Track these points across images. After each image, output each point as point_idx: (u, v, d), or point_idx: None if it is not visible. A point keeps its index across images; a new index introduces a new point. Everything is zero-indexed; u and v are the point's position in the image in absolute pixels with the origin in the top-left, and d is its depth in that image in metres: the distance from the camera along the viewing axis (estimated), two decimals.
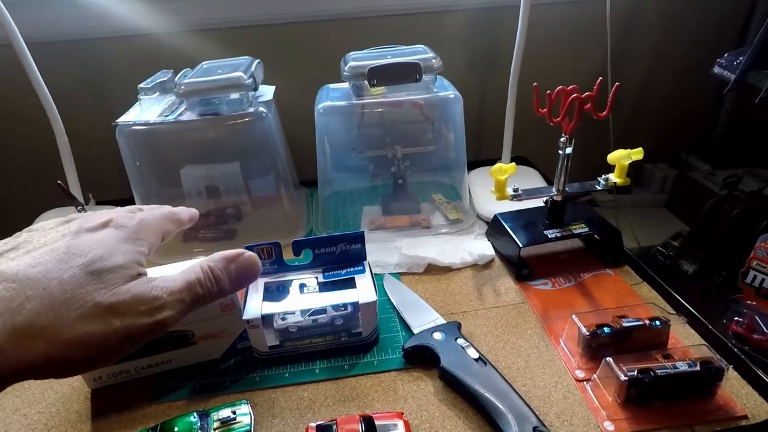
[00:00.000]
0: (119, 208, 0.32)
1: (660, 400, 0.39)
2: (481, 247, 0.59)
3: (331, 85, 0.68)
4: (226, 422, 0.39)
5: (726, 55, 0.72)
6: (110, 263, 0.25)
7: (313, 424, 0.39)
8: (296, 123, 0.68)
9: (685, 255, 0.74)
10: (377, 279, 0.56)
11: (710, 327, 0.46)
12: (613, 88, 0.49)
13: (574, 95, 0.49)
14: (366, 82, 0.57)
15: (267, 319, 0.45)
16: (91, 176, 0.71)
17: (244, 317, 0.43)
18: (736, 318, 0.52)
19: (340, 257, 0.49)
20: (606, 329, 0.42)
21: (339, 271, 0.49)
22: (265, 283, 0.48)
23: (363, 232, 0.49)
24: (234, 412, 0.40)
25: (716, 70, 0.73)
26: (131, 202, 0.65)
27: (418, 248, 0.59)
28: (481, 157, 0.83)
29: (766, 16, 0.65)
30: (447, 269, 0.57)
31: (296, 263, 0.49)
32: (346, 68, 0.58)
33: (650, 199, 1.12)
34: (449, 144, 0.67)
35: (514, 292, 0.53)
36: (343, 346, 0.47)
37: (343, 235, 0.48)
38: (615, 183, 0.53)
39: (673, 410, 0.38)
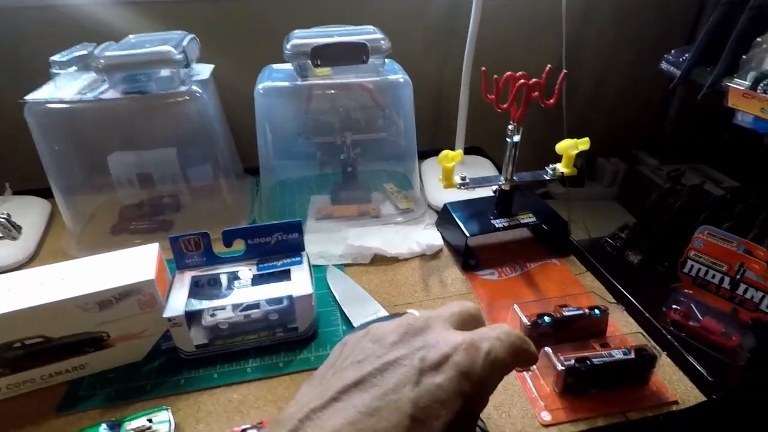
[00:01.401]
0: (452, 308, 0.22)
1: (597, 388, 0.38)
2: (429, 237, 0.58)
3: (275, 66, 0.64)
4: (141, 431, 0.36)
5: (673, 51, 0.74)
6: None
7: (238, 429, 0.36)
8: (240, 106, 0.64)
9: (631, 246, 0.75)
10: (320, 271, 0.53)
11: (647, 315, 0.46)
12: (561, 76, 0.48)
13: (522, 81, 0.48)
14: (309, 61, 0.54)
15: (194, 316, 0.42)
16: (5, 162, 0.64)
17: (165, 315, 0.40)
18: (674, 306, 0.54)
19: (276, 248, 0.46)
20: (547, 318, 0.41)
21: (275, 263, 0.46)
22: (193, 277, 0.44)
23: (300, 221, 0.46)
24: (150, 420, 0.37)
25: (663, 65, 0.74)
26: (50, 192, 0.59)
27: (365, 238, 0.57)
28: (436, 146, 0.81)
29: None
30: (394, 260, 0.55)
31: (230, 255, 0.46)
32: (288, 46, 0.54)
33: (602, 192, 1.15)
34: (400, 131, 0.65)
35: (460, 282, 0.52)
36: (278, 342, 0.44)
37: (279, 224, 0.45)
38: (562, 173, 0.53)
39: (609, 398, 0.38)
